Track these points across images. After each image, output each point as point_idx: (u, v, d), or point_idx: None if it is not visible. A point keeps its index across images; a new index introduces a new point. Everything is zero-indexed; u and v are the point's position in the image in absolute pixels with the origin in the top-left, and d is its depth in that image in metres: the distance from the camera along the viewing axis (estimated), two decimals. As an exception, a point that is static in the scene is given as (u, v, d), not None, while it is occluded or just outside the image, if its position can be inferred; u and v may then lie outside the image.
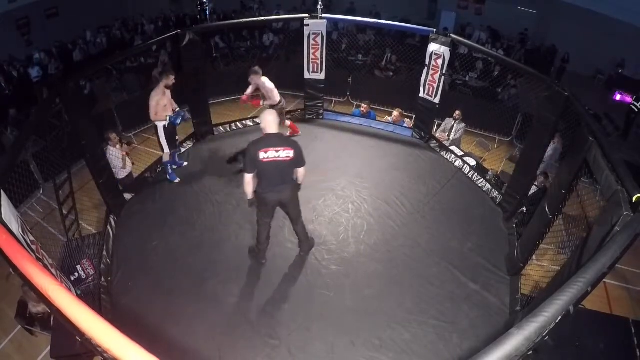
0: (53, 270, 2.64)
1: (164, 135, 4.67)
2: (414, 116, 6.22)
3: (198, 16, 11.78)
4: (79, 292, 3.45)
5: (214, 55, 9.24)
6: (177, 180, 4.97)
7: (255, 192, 3.36)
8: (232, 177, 5.01)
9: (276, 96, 5.19)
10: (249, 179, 3.25)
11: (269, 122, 3.16)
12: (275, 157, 3.13)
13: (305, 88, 6.20)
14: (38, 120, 3.43)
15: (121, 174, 4.82)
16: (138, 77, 8.56)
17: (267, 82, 5.11)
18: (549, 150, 4.72)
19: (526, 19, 11.23)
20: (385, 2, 12.32)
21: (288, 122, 5.61)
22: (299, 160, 3.26)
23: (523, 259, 3.77)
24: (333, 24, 9.71)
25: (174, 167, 5.09)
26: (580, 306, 1.69)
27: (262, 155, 3.11)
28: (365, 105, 6.44)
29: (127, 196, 4.74)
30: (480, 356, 1.24)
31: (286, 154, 3.16)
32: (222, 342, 3.23)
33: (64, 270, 3.54)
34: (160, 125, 4.60)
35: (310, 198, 4.68)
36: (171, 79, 4.49)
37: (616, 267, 1.94)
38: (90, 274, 3.69)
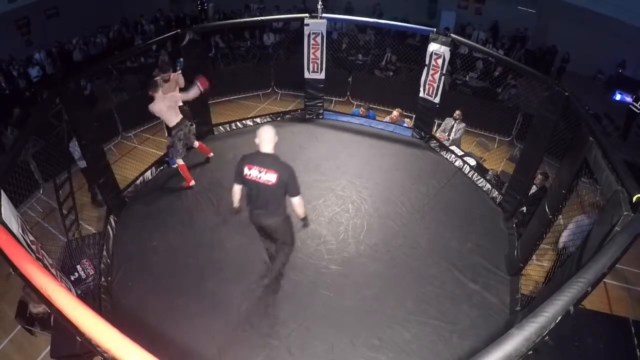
0: (53, 270, 2.64)
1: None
2: (414, 116, 6.22)
3: (198, 15, 11.80)
4: (79, 292, 3.45)
5: (210, 54, 9.23)
6: (175, 165, 4.90)
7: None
8: (232, 177, 4.99)
9: (172, 119, 4.55)
10: (234, 189, 3.09)
11: (264, 139, 2.91)
12: (256, 176, 2.87)
13: (305, 88, 6.20)
14: (38, 120, 3.43)
15: (81, 164, 4.75)
16: (138, 77, 8.56)
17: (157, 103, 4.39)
18: (580, 222, 4.04)
19: (526, 18, 11.23)
20: (385, 2, 12.33)
21: (197, 144, 5.10)
22: (287, 187, 2.92)
23: (523, 259, 3.77)
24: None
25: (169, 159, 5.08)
26: (580, 306, 1.69)
27: (246, 170, 2.90)
28: (363, 109, 6.45)
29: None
30: (480, 356, 1.24)
31: (267, 177, 2.85)
32: (222, 342, 3.23)
33: (64, 270, 3.54)
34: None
35: (310, 198, 4.68)
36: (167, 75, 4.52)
37: (616, 267, 1.94)
38: (90, 274, 3.69)
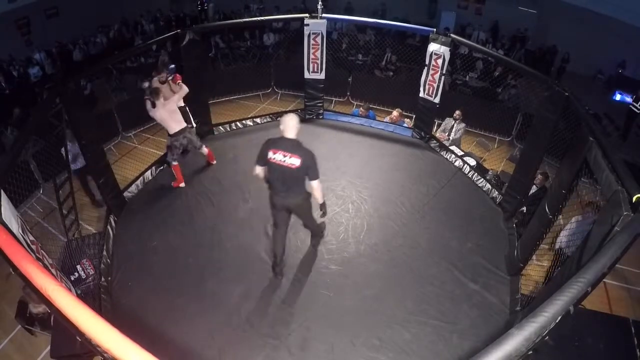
0: (53, 270, 2.64)
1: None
2: (414, 116, 6.22)
3: (198, 15, 11.80)
4: (79, 292, 3.45)
5: (210, 54, 9.23)
6: (175, 164, 4.82)
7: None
8: (232, 177, 5.00)
9: (172, 127, 4.57)
10: (257, 170, 3.25)
11: (288, 126, 3.11)
12: (281, 160, 3.06)
13: (305, 88, 6.20)
14: (38, 120, 3.43)
15: (74, 166, 4.67)
16: (138, 77, 8.56)
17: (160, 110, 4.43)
18: (575, 223, 4.05)
19: (526, 18, 11.23)
20: (385, 2, 12.34)
21: (206, 150, 5.05)
22: (307, 171, 3.10)
23: (523, 259, 3.77)
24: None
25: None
26: (580, 306, 1.69)
27: (270, 154, 3.09)
28: (362, 110, 6.46)
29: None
30: (480, 356, 1.24)
31: (291, 161, 3.05)
32: (222, 342, 3.23)
33: (64, 270, 3.54)
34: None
35: (310, 198, 4.69)
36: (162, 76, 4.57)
37: (616, 267, 1.94)
38: (90, 274, 3.69)
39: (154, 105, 4.39)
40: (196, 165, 5.29)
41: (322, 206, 3.38)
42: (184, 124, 4.64)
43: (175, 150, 4.66)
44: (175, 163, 4.77)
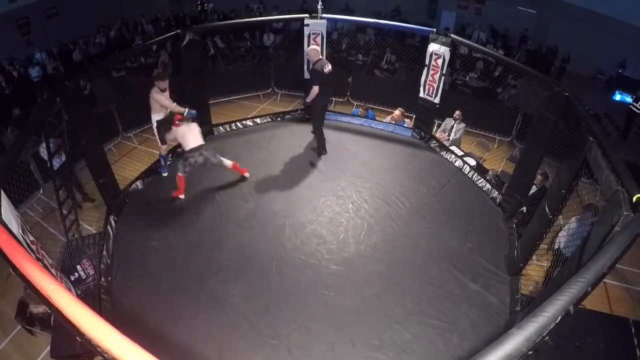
0: (53, 270, 2.64)
1: (156, 130, 4.73)
2: (414, 116, 6.22)
3: (198, 16, 11.80)
4: (79, 292, 3.45)
5: (210, 54, 9.23)
6: (166, 174, 4.94)
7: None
8: (232, 178, 5.00)
9: (191, 141, 4.46)
10: (316, 90, 4.80)
11: (317, 50, 4.92)
12: (329, 69, 4.83)
13: (305, 88, 6.19)
14: (38, 120, 3.43)
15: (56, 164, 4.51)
16: (138, 77, 8.56)
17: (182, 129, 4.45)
18: (573, 224, 4.03)
19: (526, 19, 11.23)
20: (386, 2, 12.34)
21: (229, 163, 4.79)
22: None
23: (523, 259, 3.77)
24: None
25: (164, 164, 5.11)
26: (580, 306, 1.69)
27: (325, 70, 4.77)
28: (362, 110, 6.47)
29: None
30: (480, 356, 1.24)
31: (330, 67, 4.86)
32: (222, 342, 3.23)
33: (64, 270, 3.54)
34: (154, 119, 4.70)
35: (310, 198, 4.69)
36: (162, 85, 4.48)
37: (616, 267, 1.94)
38: (90, 274, 3.68)
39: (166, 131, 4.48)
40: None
41: None
42: (202, 141, 4.51)
43: (189, 165, 4.49)
44: (181, 174, 4.61)
